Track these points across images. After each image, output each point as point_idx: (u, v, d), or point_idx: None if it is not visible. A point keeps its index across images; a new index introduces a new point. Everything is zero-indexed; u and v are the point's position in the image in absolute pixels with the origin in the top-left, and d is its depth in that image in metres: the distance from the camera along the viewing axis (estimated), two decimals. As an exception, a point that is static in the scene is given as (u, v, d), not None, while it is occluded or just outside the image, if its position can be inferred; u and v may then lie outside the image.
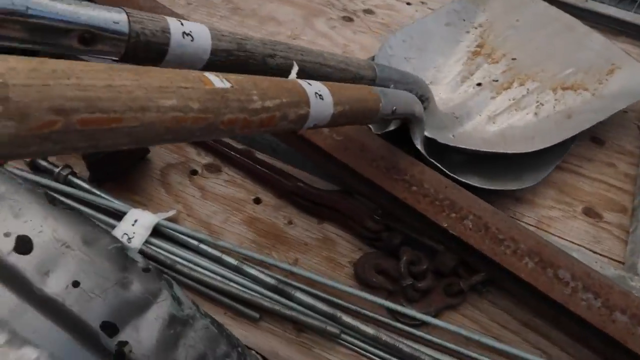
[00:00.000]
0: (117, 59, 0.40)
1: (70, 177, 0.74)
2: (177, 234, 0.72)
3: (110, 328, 0.47)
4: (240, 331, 0.66)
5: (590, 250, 0.78)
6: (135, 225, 0.71)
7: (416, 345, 0.64)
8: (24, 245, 0.46)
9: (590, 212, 0.83)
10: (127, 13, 0.38)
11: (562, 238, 0.79)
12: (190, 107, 0.25)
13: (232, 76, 0.30)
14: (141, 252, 0.69)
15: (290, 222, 0.77)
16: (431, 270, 0.69)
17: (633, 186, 0.86)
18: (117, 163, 0.77)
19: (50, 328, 0.44)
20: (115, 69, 0.22)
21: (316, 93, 0.37)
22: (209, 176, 0.82)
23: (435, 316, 0.67)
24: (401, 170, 0.69)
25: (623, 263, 0.77)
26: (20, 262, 0.45)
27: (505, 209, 0.80)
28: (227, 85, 0.28)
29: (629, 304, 0.59)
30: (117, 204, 0.73)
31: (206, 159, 0.84)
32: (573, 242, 0.78)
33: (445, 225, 0.66)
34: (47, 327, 0.44)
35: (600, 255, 0.77)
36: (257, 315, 0.66)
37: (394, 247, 0.71)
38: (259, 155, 0.83)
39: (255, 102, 0.30)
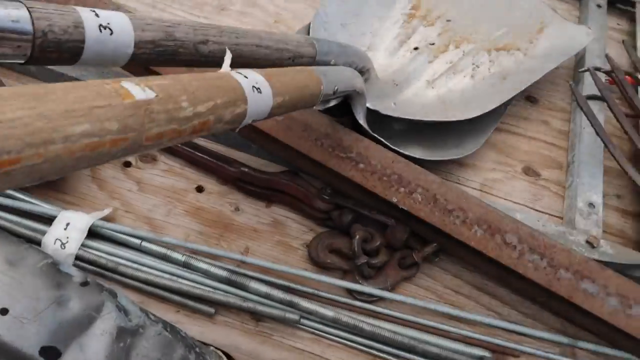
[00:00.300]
0: (22, 62, 0.34)
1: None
2: (117, 233, 0.67)
3: (51, 352, 0.43)
4: (197, 328, 0.63)
5: (532, 209, 0.80)
6: (68, 229, 0.66)
7: (376, 322, 0.64)
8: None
9: (529, 171, 0.85)
10: (27, 8, 0.33)
11: (506, 199, 0.81)
12: (107, 130, 0.21)
13: (156, 81, 0.26)
14: (78, 257, 0.64)
15: (237, 209, 0.74)
16: (384, 245, 0.69)
17: (566, 142, 0.90)
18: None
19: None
20: (4, 97, 0.18)
21: (253, 87, 0.34)
22: (144, 167, 0.77)
23: (391, 290, 0.68)
24: (346, 148, 0.68)
25: (562, 218, 0.80)
26: None
27: (449, 175, 0.81)
28: (151, 95, 0.24)
29: (572, 261, 0.62)
30: (44, 207, 0.68)
31: (140, 148, 0.79)
32: (516, 202, 0.81)
33: (395, 200, 0.65)
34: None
35: (541, 212, 0.80)
36: (212, 310, 0.64)
37: (345, 226, 0.70)
38: (198, 141, 0.78)
39: (185, 110, 0.27)
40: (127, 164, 0.77)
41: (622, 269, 0.67)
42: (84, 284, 0.47)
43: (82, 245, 0.65)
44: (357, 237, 0.67)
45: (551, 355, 0.65)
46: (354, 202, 0.71)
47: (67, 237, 0.65)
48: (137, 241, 0.66)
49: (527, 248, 0.63)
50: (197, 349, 0.56)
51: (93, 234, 0.67)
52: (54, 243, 0.65)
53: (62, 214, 0.66)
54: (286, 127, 0.69)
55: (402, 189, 0.66)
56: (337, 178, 0.69)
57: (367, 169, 0.67)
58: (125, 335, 0.48)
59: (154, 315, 0.54)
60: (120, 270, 0.64)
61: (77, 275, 0.47)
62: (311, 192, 0.72)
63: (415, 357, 0.62)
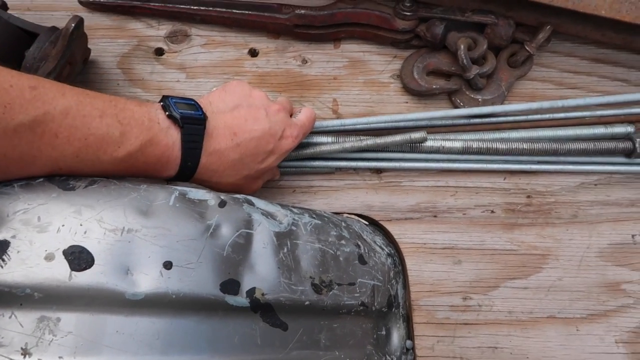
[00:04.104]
0: None
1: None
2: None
3: (231, 285, 0.38)
4: (321, 201, 0.59)
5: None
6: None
7: (506, 135, 0.58)
8: (79, 258, 0.34)
9: None
10: None
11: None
12: None
13: None
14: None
15: (304, 61, 0.63)
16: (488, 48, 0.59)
17: None
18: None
19: (172, 324, 0.36)
20: None
21: None
22: (179, 48, 0.64)
23: (507, 94, 0.60)
24: (423, -59, 0.53)
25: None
26: (89, 279, 0.34)
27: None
28: None
29: None
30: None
31: (162, 28, 0.65)
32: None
33: (500, -12, 0.54)
34: (169, 326, 0.35)
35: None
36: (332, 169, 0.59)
37: (438, 39, 0.59)
38: (226, -5, 0.64)
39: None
40: (160, 52, 0.64)
41: None
42: (222, 204, 0.41)
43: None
44: (462, 46, 0.57)
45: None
46: (442, 9, 0.59)
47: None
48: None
49: (668, -4, 0.52)
50: (343, 223, 0.52)
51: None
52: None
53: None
54: (340, -60, 0.53)
55: (504, -28, 0.53)
56: (419, -15, 0.56)
57: (456, -40, 0.53)
58: (285, 239, 0.43)
59: (293, 206, 0.48)
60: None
61: (210, 198, 0.40)
62: (387, 13, 0.59)
63: (560, 159, 0.58)
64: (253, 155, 0.46)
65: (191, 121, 0.41)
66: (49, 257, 0.33)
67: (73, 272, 0.33)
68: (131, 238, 0.35)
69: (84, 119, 0.36)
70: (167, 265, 0.36)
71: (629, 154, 0.57)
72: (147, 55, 0.63)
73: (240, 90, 0.47)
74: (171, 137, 0.41)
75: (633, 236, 0.57)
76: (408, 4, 0.59)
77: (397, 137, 0.55)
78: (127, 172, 0.40)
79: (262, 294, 0.40)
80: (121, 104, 0.39)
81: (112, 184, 0.37)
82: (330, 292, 0.43)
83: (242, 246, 0.40)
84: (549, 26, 0.58)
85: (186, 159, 0.42)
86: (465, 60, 0.57)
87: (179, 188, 0.40)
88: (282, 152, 0.49)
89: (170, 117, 0.41)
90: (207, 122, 0.43)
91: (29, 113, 0.33)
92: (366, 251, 0.50)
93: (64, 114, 0.35)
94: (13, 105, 0.32)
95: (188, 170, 0.43)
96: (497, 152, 0.56)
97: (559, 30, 0.59)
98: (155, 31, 0.64)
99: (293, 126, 0.49)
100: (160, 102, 0.43)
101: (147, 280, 0.34)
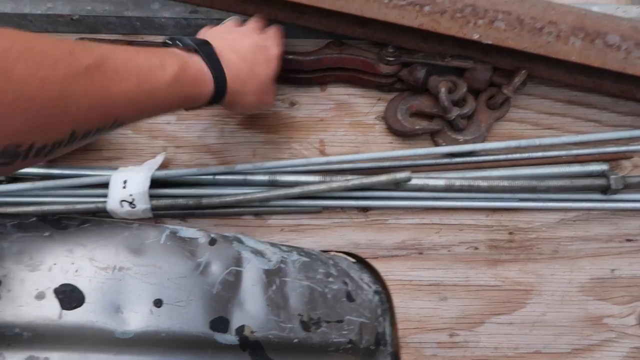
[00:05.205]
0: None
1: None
2: (183, 177, 0.59)
3: (220, 322, 0.39)
4: (309, 239, 0.59)
5: (597, -2, 0.72)
6: (128, 187, 0.58)
7: (486, 174, 0.60)
8: (70, 297, 0.34)
9: (580, -44, 0.75)
10: None
11: (567, -4, 0.72)
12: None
13: None
14: (155, 207, 0.58)
15: (292, 104, 0.66)
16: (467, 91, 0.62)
17: None
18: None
19: (161, 363, 0.36)
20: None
21: None
22: (171, 91, 0.66)
23: (487, 134, 0.63)
24: (403, -7, 0.57)
25: (631, -2, 0.72)
26: (79, 317, 0.34)
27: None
28: None
29: (682, 42, 0.56)
30: (91, 174, 0.59)
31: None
32: (580, -4, 0.72)
33: (477, 36, 0.57)
34: (158, 365, 0.36)
35: (608, -2, 0.72)
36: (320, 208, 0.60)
37: (420, 83, 0.62)
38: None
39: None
40: (151, 94, 0.66)
41: None
42: (212, 242, 0.42)
43: (152, 196, 0.58)
44: (443, 89, 0.60)
45: (662, 146, 0.63)
46: (423, 54, 0.62)
47: (131, 195, 0.58)
48: (210, 177, 0.59)
49: (632, 44, 0.56)
50: (331, 261, 0.53)
51: (157, 181, 0.59)
52: (122, 206, 0.58)
53: (114, 176, 0.58)
54: (326, -9, 0.57)
55: (480, 22, 0.57)
56: (401, 33, 0.60)
57: (435, 10, 0.57)
58: (273, 277, 0.44)
59: (281, 244, 0.49)
60: (205, 204, 0.58)
61: (200, 236, 0.41)
62: (371, 58, 0.62)
63: (539, 196, 0.60)
64: (257, 64, 0.52)
65: (202, 46, 0.47)
66: (40, 296, 0.34)
67: (63, 310, 0.34)
68: (122, 276, 0.36)
69: (127, 56, 0.39)
70: (158, 303, 0.36)
71: (605, 190, 0.60)
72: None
73: (218, 27, 0.56)
74: (196, 59, 0.46)
75: (612, 270, 0.59)
76: (391, 50, 0.62)
77: (383, 177, 0.56)
78: (179, 97, 0.44)
79: (252, 332, 0.40)
80: (143, 48, 0.43)
81: (104, 223, 0.38)
82: (319, 330, 0.44)
83: (232, 284, 0.41)
84: (524, 70, 0.61)
85: (215, 74, 0.47)
86: (446, 103, 0.59)
87: (170, 227, 0.41)
88: (275, 57, 0.55)
89: (185, 46, 0.47)
90: (212, 45, 0.48)
91: (91, 55, 0.35)
92: (354, 288, 0.50)
93: (112, 55, 0.37)
94: (75, 50, 0.34)
95: (221, 83, 0.48)
96: (479, 189, 0.58)
97: (533, 74, 0.63)
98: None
99: (269, 37, 0.56)
100: (166, 44, 0.48)
101: (137, 318, 0.35)
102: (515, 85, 0.61)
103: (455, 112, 0.60)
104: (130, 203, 0.58)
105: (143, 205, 0.57)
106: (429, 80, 0.62)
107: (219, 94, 0.48)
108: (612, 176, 0.59)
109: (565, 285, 0.58)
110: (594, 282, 0.58)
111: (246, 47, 0.52)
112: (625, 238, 0.60)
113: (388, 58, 0.62)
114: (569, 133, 0.65)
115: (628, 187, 0.59)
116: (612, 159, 0.63)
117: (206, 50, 0.47)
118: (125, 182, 0.58)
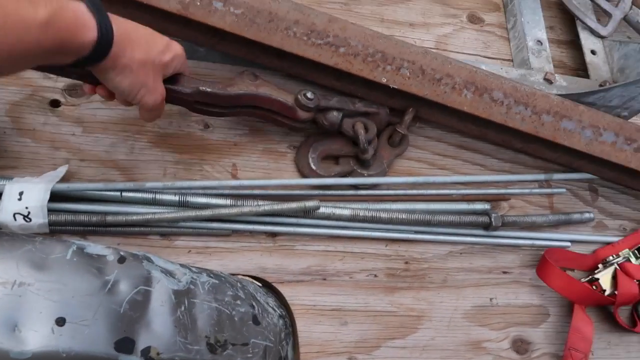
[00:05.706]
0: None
1: None
2: (86, 191, 0.57)
3: (125, 343, 0.38)
4: (216, 262, 0.59)
5: (485, 57, 0.82)
6: (24, 199, 0.54)
7: (387, 206, 0.65)
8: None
9: (473, 19, 0.86)
10: None
11: (461, 52, 0.81)
12: None
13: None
14: (53, 223, 0.54)
15: (206, 126, 0.66)
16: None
17: (499, -18, 0.90)
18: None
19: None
20: None
21: None
22: (77, 102, 0.63)
23: (388, 169, 0.68)
24: (322, 33, 0.61)
25: (512, 60, 0.83)
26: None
27: (405, 39, 0.78)
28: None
29: (551, 104, 0.66)
30: (-21, 182, 0.54)
31: (61, 81, 0.63)
32: (471, 54, 0.82)
33: (385, 80, 0.62)
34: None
35: (494, 59, 0.83)
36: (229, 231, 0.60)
37: (336, 127, 0.65)
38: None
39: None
40: (55, 103, 0.62)
41: (577, 98, 0.73)
42: (121, 259, 0.40)
43: (51, 210, 0.55)
44: (362, 132, 0.63)
45: (533, 191, 0.73)
46: (337, 99, 0.65)
47: (27, 208, 0.54)
48: (117, 194, 0.57)
49: (512, 101, 0.65)
50: (239, 284, 0.53)
51: (57, 194, 0.56)
52: (15, 219, 0.54)
53: (8, 185, 0.54)
54: (249, 21, 0.59)
55: (388, 67, 0.62)
56: (316, 70, 0.63)
57: (349, 52, 0.61)
58: (182, 298, 0.43)
59: (192, 266, 0.49)
60: (109, 222, 0.56)
61: (109, 253, 0.40)
62: (289, 102, 0.63)
63: (432, 229, 0.66)
64: (154, 42, 0.50)
65: None
66: None
67: (-53, 332, 0.31)
68: (22, 292, 0.33)
69: None
70: (60, 321, 0.35)
71: (487, 227, 0.67)
72: (41, 105, 0.62)
73: None
74: (76, 4, 0.42)
75: (491, 299, 0.66)
76: (310, 97, 0.62)
77: (293, 204, 0.59)
78: (55, 41, 0.40)
79: (157, 353, 0.39)
80: None
81: (5, 236, 0.35)
82: (225, 352, 0.44)
83: (140, 303, 0.40)
84: (411, 108, 0.67)
85: (99, 20, 0.43)
86: (365, 144, 0.63)
87: (77, 242, 0.39)
88: (177, 54, 0.53)
89: None
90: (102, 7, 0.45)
91: None
92: (260, 312, 0.51)
93: None
94: None
95: (106, 35, 0.44)
96: (380, 220, 0.63)
97: (431, 119, 0.70)
98: (53, 82, 0.63)
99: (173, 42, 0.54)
100: None
101: (37, 337, 0.33)
102: (407, 122, 0.67)
103: (372, 152, 0.64)
104: (25, 216, 0.54)
105: (40, 219, 0.54)
106: (342, 123, 0.65)
107: (104, 45, 0.44)
108: (493, 214, 0.67)
109: (451, 312, 0.64)
110: (476, 309, 0.65)
111: (145, 28, 0.50)
112: (502, 270, 0.68)
113: (307, 105, 0.63)
114: (459, 174, 0.72)
115: (505, 225, 0.67)
116: (493, 199, 0.71)
117: (93, 2, 0.43)
118: (21, 193, 0.54)
